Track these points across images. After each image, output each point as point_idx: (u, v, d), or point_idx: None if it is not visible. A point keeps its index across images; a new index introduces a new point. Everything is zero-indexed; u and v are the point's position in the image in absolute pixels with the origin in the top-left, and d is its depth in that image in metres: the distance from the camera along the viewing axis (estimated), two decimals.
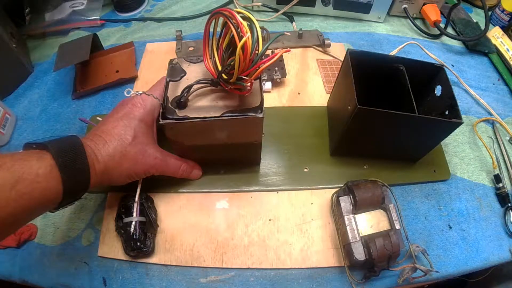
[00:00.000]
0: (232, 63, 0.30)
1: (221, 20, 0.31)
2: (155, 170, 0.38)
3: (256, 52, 0.29)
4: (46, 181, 0.28)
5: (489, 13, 0.63)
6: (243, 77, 0.31)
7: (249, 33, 0.28)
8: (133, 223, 0.38)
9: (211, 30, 0.33)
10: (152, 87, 0.38)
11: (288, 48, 0.32)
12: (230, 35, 0.31)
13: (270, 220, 0.42)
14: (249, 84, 0.31)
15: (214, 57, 0.33)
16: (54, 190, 0.29)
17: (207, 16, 0.64)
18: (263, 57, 0.30)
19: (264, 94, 0.36)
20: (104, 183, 0.34)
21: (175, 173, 0.41)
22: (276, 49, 0.58)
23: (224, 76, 0.32)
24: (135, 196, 0.39)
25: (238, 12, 0.29)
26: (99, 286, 0.38)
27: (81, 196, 0.32)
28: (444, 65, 0.44)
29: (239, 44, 0.28)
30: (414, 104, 0.39)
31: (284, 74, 0.53)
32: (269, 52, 0.54)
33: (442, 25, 0.61)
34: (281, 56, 0.55)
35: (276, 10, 0.63)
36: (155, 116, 0.38)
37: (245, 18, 0.29)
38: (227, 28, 0.31)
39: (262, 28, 0.30)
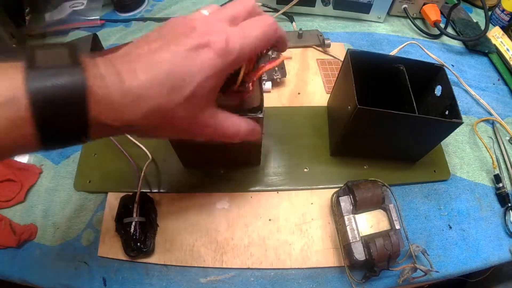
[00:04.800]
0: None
1: None
2: (201, 138, 0.27)
3: (259, 55, 0.29)
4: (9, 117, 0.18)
5: (489, 13, 0.63)
6: (246, 79, 0.31)
7: None
8: (133, 223, 0.38)
9: None
10: (246, 30, 0.24)
11: (290, 56, 0.32)
12: None
13: (270, 220, 0.42)
14: (250, 84, 0.31)
15: None
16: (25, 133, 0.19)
17: None
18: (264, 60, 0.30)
19: (264, 94, 0.35)
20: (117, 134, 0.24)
21: (231, 139, 0.29)
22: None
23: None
24: (135, 196, 0.39)
25: None
26: (99, 286, 0.38)
27: (75, 144, 0.22)
28: (444, 65, 0.44)
29: None
30: (414, 104, 0.39)
31: (284, 74, 0.53)
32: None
33: (442, 25, 0.61)
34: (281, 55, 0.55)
35: (276, 10, 0.63)
36: (232, 71, 0.25)
37: None
38: None
39: None
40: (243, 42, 0.23)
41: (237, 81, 0.29)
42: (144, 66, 0.21)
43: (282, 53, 0.31)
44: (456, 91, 0.47)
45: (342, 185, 0.41)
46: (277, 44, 0.28)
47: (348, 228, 0.37)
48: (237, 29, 0.24)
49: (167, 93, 0.22)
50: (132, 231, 0.37)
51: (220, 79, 0.24)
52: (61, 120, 0.19)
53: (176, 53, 0.22)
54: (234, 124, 0.28)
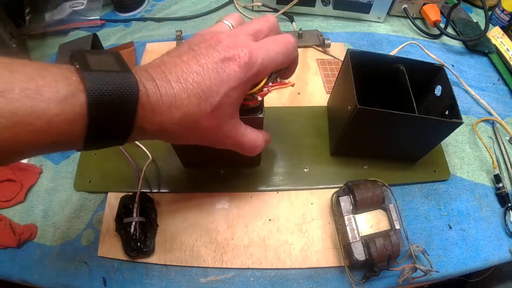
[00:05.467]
0: None
1: None
2: (220, 147, 0.30)
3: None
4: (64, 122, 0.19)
5: (489, 13, 0.63)
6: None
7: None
8: (133, 223, 0.38)
9: None
10: (268, 46, 0.26)
11: (293, 84, 0.33)
12: None
13: (270, 220, 0.42)
14: (260, 95, 0.31)
15: None
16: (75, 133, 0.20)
17: (207, 16, 0.65)
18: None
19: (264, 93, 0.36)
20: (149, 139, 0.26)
21: (248, 153, 0.33)
22: None
23: None
24: (135, 196, 0.39)
25: None
26: (99, 286, 0.38)
27: (116, 144, 0.24)
28: (444, 65, 0.44)
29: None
30: (414, 104, 0.39)
31: None
32: None
33: (442, 25, 0.61)
34: None
35: (276, 10, 0.63)
36: (254, 83, 0.27)
37: None
38: None
39: None
40: (265, 57, 0.25)
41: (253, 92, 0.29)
42: (176, 77, 0.23)
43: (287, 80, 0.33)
44: (456, 91, 0.47)
45: (342, 185, 0.41)
46: (291, 65, 0.30)
47: (348, 228, 0.37)
48: (260, 44, 0.26)
49: (197, 103, 0.24)
50: (132, 231, 0.37)
51: (243, 90, 0.26)
52: (112, 120, 0.21)
53: (205, 66, 0.24)
54: (253, 139, 0.31)
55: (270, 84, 0.31)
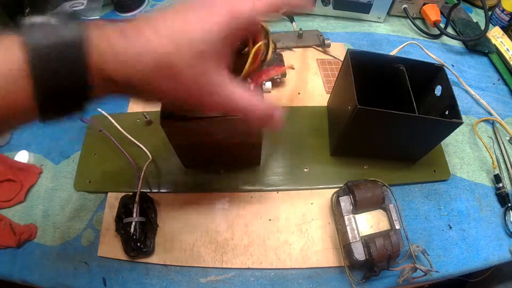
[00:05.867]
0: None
1: None
2: (210, 110, 0.26)
3: (265, 58, 0.30)
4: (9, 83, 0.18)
5: (489, 13, 0.63)
6: (248, 79, 0.31)
7: (263, 40, 0.29)
8: (133, 223, 0.38)
9: None
10: None
11: (293, 67, 0.33)
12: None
13: (270, 220, 0.42)
14: (253, 85, 0.32)
15: None
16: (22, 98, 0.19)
17: None
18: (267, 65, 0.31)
19: (264, 94, 0.36)
20: (122, 96, 0.24)
21: (246, 116, 0.26)
22: (280, 48, 0.58)
23: None
24: (135, 196, 0.39)
25: None
26: (99, 286, 0.38)
27: (77, 109, 0.21)
28: (444, 65, 0.44)
29: (254, 48, 0.28)
30: (414, 104, 0.39)
31: (284, 74, 0.53)
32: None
33: (442, 25, 0.61)
34: (281, 55, 0.55)
35: None
36: (243, 34, 0.25)
37: (261, 26, 0.30)
38: None
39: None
40: (252, 7, 0.23)
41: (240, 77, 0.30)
42: (152, 26, 0.21)
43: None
44: (456, 91, 0.47)
45: (342, 185, 0.41)
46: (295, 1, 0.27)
47: (348, 228, 0.37)
48: None
49: (176, 49, 0.21)
50: (132, 231, 0.37)
51: (229, 40, 0.23)
52: (60, 70, 0.19)
53: (187, 15, 0.22)
54: (247, 97, 0.25)
55: (267, 68, 0.31)
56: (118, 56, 0.20)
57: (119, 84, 0.21)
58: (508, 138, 0.51)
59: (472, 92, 0.55)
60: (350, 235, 0.36)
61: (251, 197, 0.44)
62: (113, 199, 0.42)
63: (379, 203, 0.38)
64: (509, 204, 0.45)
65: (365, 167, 0.46)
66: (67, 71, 0.19)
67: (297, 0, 0.27)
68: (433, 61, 0.55)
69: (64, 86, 0.19)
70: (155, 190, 0.43)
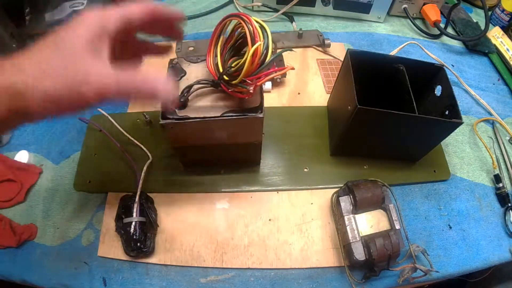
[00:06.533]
0: (233, 64, 0.31)
1: (232, 22, 0.33)
2: (90, 97, 0.25)
3: (264, 59, 0.30)
4: None
5: (489, 13, 0.63)
6: (247, 80, 0.31)
7: (262, 40, 0.29)
8: (133, 223, 0.38)
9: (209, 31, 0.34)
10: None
11: (293, 66, 0.34)
12: (236, 38, 0.33)
13: (270, 220, 0.42)
14: (252, 87, 0.32)
15: (217, 57, 0.34)
16: None
17: (207, 16, 0.65)
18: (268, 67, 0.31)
19: (264, 94, 0.36)
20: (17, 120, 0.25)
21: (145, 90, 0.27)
22: (279, 48, 0.58)
23: (225, 78, 0.32)
24: (135, 196, 0.39)
25: (255, 20, 0.30)
26: (99, 286, 0.38)
27: None
28: (444, 65, 0.44)
29: (252, 48, 0.29)
30: (414, 104, 0.39)
31: (284, 74, 0.53)
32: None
33: (442, 25, 0.61)
34: (281, 56, 0.55)
35: (276, 10, 0.63)
36: (111, 35, 0.27)
37: (260, 26, 0.30)
38: (235, 31, 0.33)
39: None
40: (107, 11, 0.27)
41: (237, 78, 0.31)
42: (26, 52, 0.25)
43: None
44: (456, 91, 0.47)
45: (342, 185, 0.41)
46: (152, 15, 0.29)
47: (348, 228, 0.37)
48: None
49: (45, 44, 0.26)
50: (132, 231, 0.37)
51: (94, 30, 0.26)
52: None
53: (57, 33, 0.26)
54: (125, 73, 0.26)
55: (267, 71, 0.31)
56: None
57: (8, 92, 0.23)
58: (508, 138, 0.51)
59: (472, 92, 0.55)
60: (350, 235, 0.36)
61: (251, 197, 0.44)
62: (113, 199, 0.42)
63: (379, 203, 0.38)
64: (509, 204, 0.45)
65: (365, 167, 0.46)
66: None
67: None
68: (433, 61, 0.55)
69: None
70: (155, 190, 0.43)
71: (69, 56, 0.25)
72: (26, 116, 0.25)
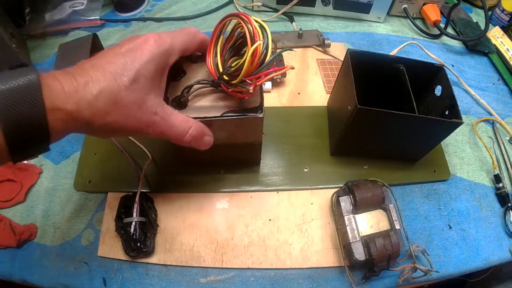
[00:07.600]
0: (233, 64, 0.31)
1: (231, 22, 0.33)
2: (152, 131, 0.29)
3: (264, 58, 0.30)
4: None
5: (489, 13, 0.63)
6: (247, 80, 0.31)
7: (262, 40, 0.29)
8: (133, 223, 0.38)
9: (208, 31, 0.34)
10: (174, 33, 0.31)
11: (293, 66, 0.34)
12: (236, 38, 0.33)
13: (270, 220, 0.42)
14: (252, 87, 0.32)
15: (217, 57, 0.34)
16: None
17: (207, 16, 0.65)
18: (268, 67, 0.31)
19: (264, 94, 0.36)
20: (79, 132, 0.27)
21: (179, 139, 0.31)
22: (279, 48, 0.58)
23: (225, 78, 0.32)
24: (135, 196, 0.39)
25: (255, 20, 0.30)
26: (99, 286, 0.38)
27: (42, 148, 0.24)
28: (444, 65, 0.44)
29: (251, 48, 0.29)
30: (414, 104, 0.39)
31: (284, 74, 0.53)
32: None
33: (442, 25, 0.61)
34: (281, 55, 0.55)
35: (276, 10, 0.63)
36: (169, 63, 0.30)
37: (259, 26, 0.30)
38: (235, 31, 0.33)
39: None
40: (172, 38, 0.30)
41: (237, 78, 0.31)
42: (92, 65, 0.26)
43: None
44: (456, 91, 0.47)
45: (342, 185, 0.41)
46: (201, 46, 0.34)
47: (348, 228, 0.37)
48: (167, 32, 0.31)
49: (113, 78, 0.25)
50: (132, 231, 0.37)
51: (159, 63, 0.29)
52: (21, 108, 0.21)
53: (119, 51, 0.27)
54: (184, 121, 0.31)
55: (266, 71, 0.31)
56: (67, 93, 0.24)
57: (74, 119, 0.24)
58: (508, 138, 0.51)
59: (472, 92, 0.55)
60: (350, 235, 0.36)
61: (251, 197, 0.44)
62: (113, 199, 0.42)
63: (379, 203, 0.38)
64: (509, 204, 0.45)
65: (365, 167, 0.46)
66: (26, 110, 0.22)
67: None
68: (433, 61, 0.55)
69: (26, 126, 0.22)
70: (155, 190, 0.43)
71: (138, 91, 0.27)
72: (82, 132, 0.27)
